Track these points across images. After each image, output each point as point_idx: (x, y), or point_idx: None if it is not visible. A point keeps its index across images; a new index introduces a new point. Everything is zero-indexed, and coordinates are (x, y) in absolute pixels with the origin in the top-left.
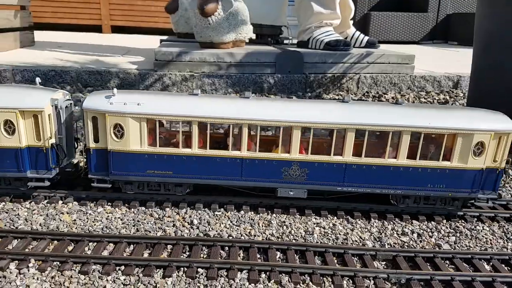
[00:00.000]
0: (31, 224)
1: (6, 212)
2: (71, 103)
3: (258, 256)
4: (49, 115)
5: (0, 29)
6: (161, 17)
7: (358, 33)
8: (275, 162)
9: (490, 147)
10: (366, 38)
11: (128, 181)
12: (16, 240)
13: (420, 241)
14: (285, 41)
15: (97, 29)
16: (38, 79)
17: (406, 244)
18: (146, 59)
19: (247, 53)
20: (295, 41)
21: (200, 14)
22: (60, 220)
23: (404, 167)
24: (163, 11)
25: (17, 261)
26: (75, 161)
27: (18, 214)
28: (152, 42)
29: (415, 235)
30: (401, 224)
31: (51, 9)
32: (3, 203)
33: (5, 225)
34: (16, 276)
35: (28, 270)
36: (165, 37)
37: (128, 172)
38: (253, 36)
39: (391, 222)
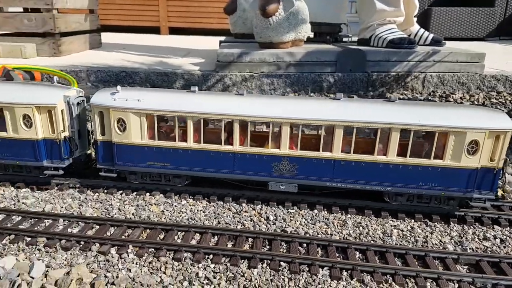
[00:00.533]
0: (124, 213)
1: (101, 202)
2: (83, 100)
3: (337, 255)
4: (61, 110)
5: (72, 32)
6: (216, 18)
7: (422, 30)
8: (265, 157)
9: (485, 146)
10: (431, 35)
11: (132, 172)
12: (113, 227)
13: (504, 247)
14: (344, 39)
15: (155, 30)
16: (56, 78)
17: (489, 249)
18: (206, 60)
19: (307, 52)
20: (354, 38)
21: (261, 15)
22: (150, 210)
23: (394, 164)
24: (217, 12)
25: (117, 247)
26: (89, 152)
27: (112, 204)
28: (208, 42)
29: (497, 240)
30: (482, 229)
31: (114, 12)
32: (97, 194)
33: (102, 214)
34: (118, 260)
35: (128, 255)
36: (222, 38)
37: (131, 163)
38: (311, 35)
39: (472, 227)
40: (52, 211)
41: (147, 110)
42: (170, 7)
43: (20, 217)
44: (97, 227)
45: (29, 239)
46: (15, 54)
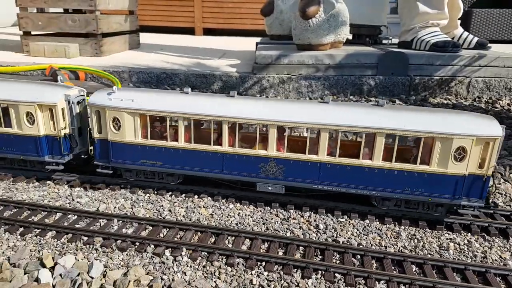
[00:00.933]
0: (175, 215)
1: (152, 203)
2: (83, 99)
3: (393, 268)
4: (62, 109)
5: (113, 33)
6: (249, 19)
7: (466, 33)
8: (253, 158)
9: (473, 153)
10: (476, 38)
11: (127, 169)
12: (165, 229)
13: None
14: (384, 41)
15: (190, 31)
16: (60, 77)
17: None
18: (242, 61)
19: (347, 54)
20: (394, 41)
21: (301, 16)
22: (199, 213)
23: (379, 169)
24: (251, 13)
25: (171, 249)
26: (91, 148)
27: (162, 205)
28: (242, 43)
29: None
30: None
31: (150, 13)
32: (148, 194)
33: (154, 215)
34: (172, 262)
35: (182, 258)
36: (256, 39)
37: (125, 160)
38: (350, 37)
39: None
40: (106, 211)
41: (140, 110)
42: (205, 8)
43: (76, 216)
44: (150, 228)
45: (86, 238)
46: (59, 54)
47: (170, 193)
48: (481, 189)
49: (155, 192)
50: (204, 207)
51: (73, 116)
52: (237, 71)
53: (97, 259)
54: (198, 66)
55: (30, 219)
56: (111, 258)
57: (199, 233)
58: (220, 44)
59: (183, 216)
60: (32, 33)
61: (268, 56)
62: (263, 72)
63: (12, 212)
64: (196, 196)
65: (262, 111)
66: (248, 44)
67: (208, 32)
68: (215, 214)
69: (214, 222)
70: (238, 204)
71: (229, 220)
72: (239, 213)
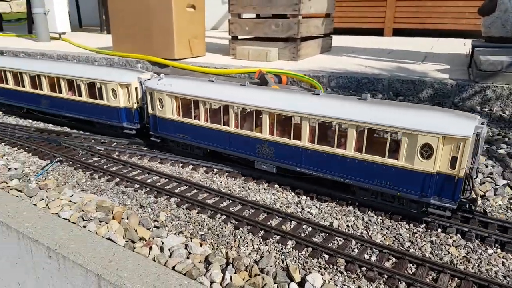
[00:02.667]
0: (420, 250)
1: (387, 228)
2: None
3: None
4: (135, 88)
5: (310, 37)
6: (450, 18)
7: None
8: (251, 139)
9: (441, 151)
10: None
11: (171, 140)
12: (410, 264)
13: None
14: None
15: (378, 32)
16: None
17: None
18: (451, 66)
19: None
20: None
21: None
22: (448, 252)
23: (351, 158)
24: (453, 11)
25: None
26: None
27: (400, 233)
28: (441, 45)
29: None
30: None
31: (339, 15)
32: (380, 217)
33: (393, 243)
34: None
35: None
36: (458, 41)
37: (167, 132)
38: None
39: None
40: (340, 228)
41: (174, 93)
42: (398, 8)
43: (310, 228)
44: (394, 259)
45: (328, 257)
46: (261, 58)
47: (408, 221)
48: (452, 190)
49: (389, 217)
50: (454, 246)
51: (143, 94)
52: (450, 78)
53: (344, 285)
54: (401, 71)
55: (268, 223)
56: (359, 287)
57: (456, 279)
58: (415, 46)
59: (430, 253)
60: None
61: (497, 63)
62: (488, 80)
63: (250, 212)
64: (439, 229)
65: (260, 99)
66: (448, 46)
67: (397, 32)
68: (471, 258)
69: (473, 268)
70: (499, 251)
71: (491, 269)
72: (503, 262)
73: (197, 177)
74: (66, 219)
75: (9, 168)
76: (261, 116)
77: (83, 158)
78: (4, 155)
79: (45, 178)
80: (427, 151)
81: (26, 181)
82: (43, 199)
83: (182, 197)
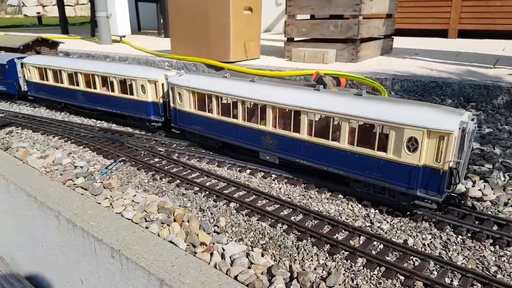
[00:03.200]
0: (510, 276)
1: (469, 249)
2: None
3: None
4: (162, 84)
5: (370, 38)
6: None
7: None
8: (256, 131)
9: (426, 144)
10: None
11: (188, 131)
12: None
13: None
14: None
15: (441, 33)
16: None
17: None
18: None
19: None
20: None
21: None
22: None
23: (343, 150)
24: None
25: None
26: None
27: (485, 256)
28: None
29: None
30: None
31: (401, 15)
32: (460, 236)
33: (476, 267)
34: None
35: None
36: None
37: (185, 124)
38: None
39: None
40: (415, 247)
41: (191, 88)
42: (464, 8)
43: (382, 245)
44: (479, 285)
45: (404, 279)
46: (318, 60)
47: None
48: (438, 183)
49: (469, 236)
50: None
51: (168, 90)
52: None
53: None
54: (471, 75)
55: (334, 237)
56: None
57: None
58: (484, 48)
59: None
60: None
61: None
62: None
63: (314, 224)
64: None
65: (264, 94)
66: None
67: (461, 34)
68: None
69: None
70: None
71: None
72: None
73: (255, 182)
74: (129, 219)
75: (75, 166)
76: (264, 109)
77: (145, 159)
78: (70, 153)
79: (109, 177)
80: (413, 145)
81: (91, 179)
82: (107, 198)
83: (241, 202)
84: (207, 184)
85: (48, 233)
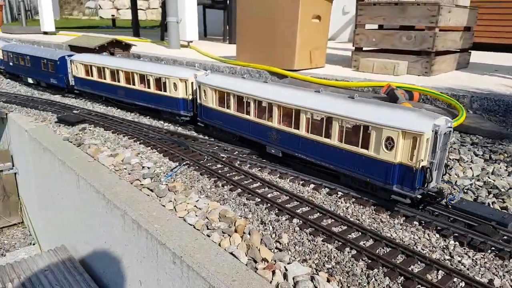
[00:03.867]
0: None
1: None
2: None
3: None
4: (192, 82)
5: (445, 51)
6: None
7: None
8: (264, 126)
9: (401, 144)
10: None
11: (211, 125)
12: None
13: None
14: None
15: None
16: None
17: None
18: None
19: None
20: None
21: None
22: None
23: (333, 147)
24: None
25: None
26: None
27: None
28: None
29: None
30: None
31: (479, 28)
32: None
33: None
34: None
35: None
36: None
37: (208, 119)
38: None
39: None
40: None
41: (213, 86)
42: None
43: (463, 283)
44: None
45: None
46: (387, 71)
47: None
48: (411, 180)
49: None
50: None
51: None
52: None
53: None
54: None
55: (409, 268)
56: None
57: None
58: None
59: None
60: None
61: None
62: None
63: (386, 251)
64: None
65: (271, 94)
66: None
67: None
68: None
69: None
70: None
71: None
72: None
73: (320, 198)
74: (191, 224)
75: (143, 167)
76: (271, 108)
77: (208, 164)
78: (138, 153)
79: (174, 180)
80: (390, 143)
81: (157, 181)
82: (171, 201)
83: (305, 219)
84: (269, 195)
85: (112, 231)
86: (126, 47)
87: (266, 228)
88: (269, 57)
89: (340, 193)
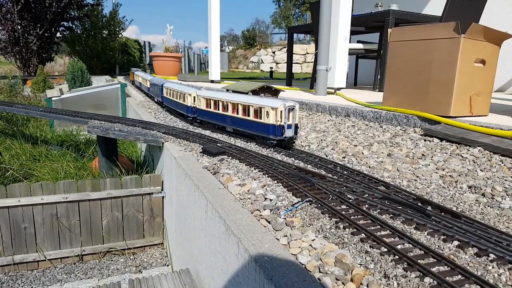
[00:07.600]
0: None
1: None
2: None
3: None
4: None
5: None
6: None
7: None
8: (224, 115)
9: (272, 114)
10: None
11: (204, 122)
12: None
13: None
14: None
15: None
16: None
17: None
18: None
19: None
20: None
21: None
22: None
23: (239, 118)
24: None
25: None
26: None
27: None
28: None
29: None
30: None
31: None
32: None
33: None
34: None
35: None
36: None
37: (202, 116)
38: None
39: None
40: None
41: (203, 96)
42: None
43: None
44: None
45: None
46: None
47: None
48: (276, 132)
49: None
50: None
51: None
52: None
53: None
54: None
55: None
56: None
57: None
58: None
59: None
60: None
61: None
62: None
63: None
64: None
65: (236, 98)
66: None
67: None
68: None
69: None
70: None
71: None
72: None
73: (464, 259)
74: (303, 264)
75: (265, 198)
76: (235, 106)
77: (332, 204)
78: (264, 186)
79: (293, 215)
80: (267, 114)
81: (276, 213)
82: (286, 236)
83: (441, 280)
84: (398, 247)
85: (228, 259)
86: (275, 92)
87: (389, 284)
88: (420, 102)
89: (492, 255)
